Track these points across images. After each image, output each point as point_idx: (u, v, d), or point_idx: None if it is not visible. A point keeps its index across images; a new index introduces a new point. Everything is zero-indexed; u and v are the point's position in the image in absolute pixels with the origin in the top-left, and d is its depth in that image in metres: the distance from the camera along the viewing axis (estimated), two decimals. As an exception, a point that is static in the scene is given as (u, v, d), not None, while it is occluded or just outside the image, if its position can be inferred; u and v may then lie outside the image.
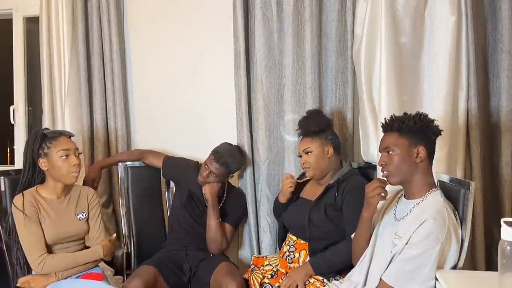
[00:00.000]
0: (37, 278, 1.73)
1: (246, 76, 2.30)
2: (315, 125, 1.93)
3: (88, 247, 1.92)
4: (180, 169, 2.28)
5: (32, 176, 1.84)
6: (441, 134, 1.50)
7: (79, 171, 1.83)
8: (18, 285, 1.77)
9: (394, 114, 1.53)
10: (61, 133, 1.83)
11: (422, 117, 1.48)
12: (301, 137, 2.00)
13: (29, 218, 1.73)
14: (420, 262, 1.33)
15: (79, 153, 1.85)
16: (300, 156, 1.98)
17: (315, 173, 1.93)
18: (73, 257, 1.79)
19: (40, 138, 1.79)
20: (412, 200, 1.47)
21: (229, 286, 1.83)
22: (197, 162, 2.31)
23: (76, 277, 1.79)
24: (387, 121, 1.52)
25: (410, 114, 1.50)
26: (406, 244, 1.36)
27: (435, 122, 1.49)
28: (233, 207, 2.24)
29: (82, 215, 1.88)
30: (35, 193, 1.80)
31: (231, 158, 2.13)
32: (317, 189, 1.95)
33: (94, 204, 1.94)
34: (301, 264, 1.87)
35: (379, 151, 1.53)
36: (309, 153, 1.92)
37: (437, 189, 1.47)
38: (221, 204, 2.18)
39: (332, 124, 2.05)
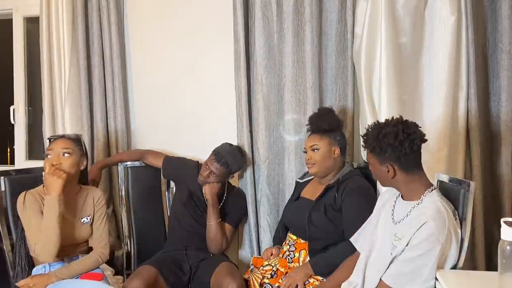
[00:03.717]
0: (37, 279, 1.72)
1: (246, 76, 2.30)
2: (326, 123, 1.93)
3: (91, 248, 1.91)
4: (180, 168, 2.28)
5: None
6: (415, 147, 1.40)
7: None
8: (17, 285, 1.76)
9: (370, 128, 1.49)
10: (63, 135, 1.85)
11: (394, 135, 1.38)
12: (309, 133, 1.99)
13: (34, 213, 1.72)
14: (420, 263, 1.33)
15: (64, 154, 1.79)
16: (305, 152, 1.97)
17: (318, 171, 1.93)
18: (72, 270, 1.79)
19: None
20: (410, 202, 1.47)
21: (229, 287, 1.83)
22: (197, 162, 2.31)
23: (76, 277, 1.78)
24: (363, 137, 1.53)
25: (385, 133, 1.41)
26: (407, 245, 1.36)
27: (410, 136, 1.39)
28: (233, 207, 2.24)
29: (87, 219, 1.87)
30: (42, 192, 1.79)
31: (231, 158, 2.13)
32: (317, 189, 1.95)
33: (100, 206, 1.92)
34: (301, 263, 1.87)
35: None
36: (315, 151, 1.91)
37: (433, 189, 1.46)
38: (221, 204, 2.19)
39: (342, 125, 2.03)
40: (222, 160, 2.10)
